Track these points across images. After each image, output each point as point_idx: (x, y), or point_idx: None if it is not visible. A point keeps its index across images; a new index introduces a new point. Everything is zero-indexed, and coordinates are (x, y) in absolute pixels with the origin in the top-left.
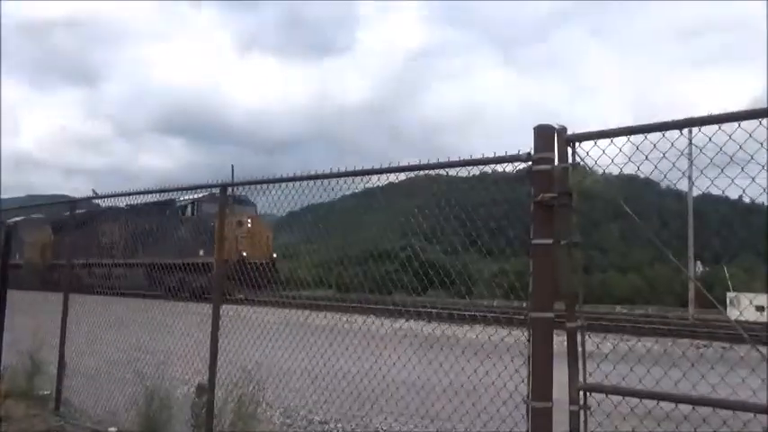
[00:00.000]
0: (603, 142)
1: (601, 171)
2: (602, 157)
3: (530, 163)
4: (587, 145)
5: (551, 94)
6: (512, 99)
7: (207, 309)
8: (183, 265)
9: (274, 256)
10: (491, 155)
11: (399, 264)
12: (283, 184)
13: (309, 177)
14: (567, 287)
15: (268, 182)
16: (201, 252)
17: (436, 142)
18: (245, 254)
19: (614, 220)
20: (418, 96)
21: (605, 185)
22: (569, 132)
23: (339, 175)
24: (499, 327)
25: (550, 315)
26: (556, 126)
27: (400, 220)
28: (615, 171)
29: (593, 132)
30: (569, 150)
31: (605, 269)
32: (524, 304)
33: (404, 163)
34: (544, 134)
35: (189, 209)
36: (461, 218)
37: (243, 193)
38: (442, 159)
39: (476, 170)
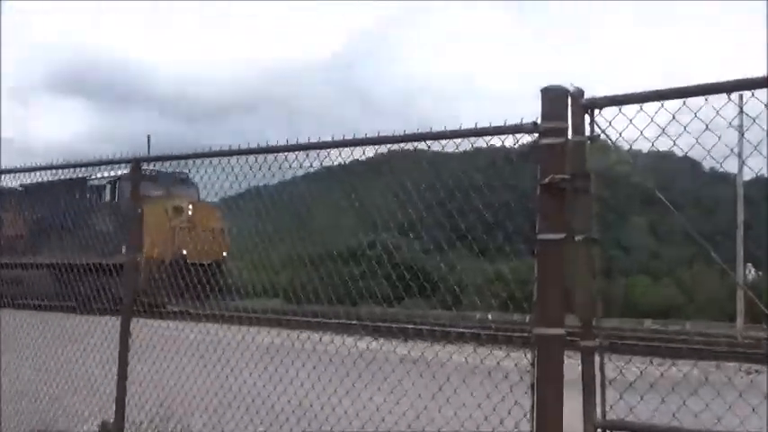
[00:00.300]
0: (630, 110)
1: (627, 146)
2: (629, 129)
3: (536, 135)
4: (610, 113)
5: (565, 58)
6: (515, 64)
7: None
8: (101, 266)
9: (224, 254)
10: (487, 125)
11: (366, 265)
12: (215, 160)
13: (250, 151)
14: (581, 295)
15: (193, 156)
16: (125, 249)
17: (417, 112)
18: (185, 252)
19: (643, 210)
20: (397, 53)
21: (632, 165)
22: (587, 96)
23: (289, 148)
24: (495, 346)
25: (560, 331)
26: (570, 88)
27: (368, 208)
28: (645, 147)
29: (617, 96)
30: (587, 119)
31: (631, 273)
32: (527, 318)
33: (374, 135)
34: (555, 98)
35: (107, 190)
36: (447, 206)
37: (182, 171)
38: (424, 130)
39: (467, 144)
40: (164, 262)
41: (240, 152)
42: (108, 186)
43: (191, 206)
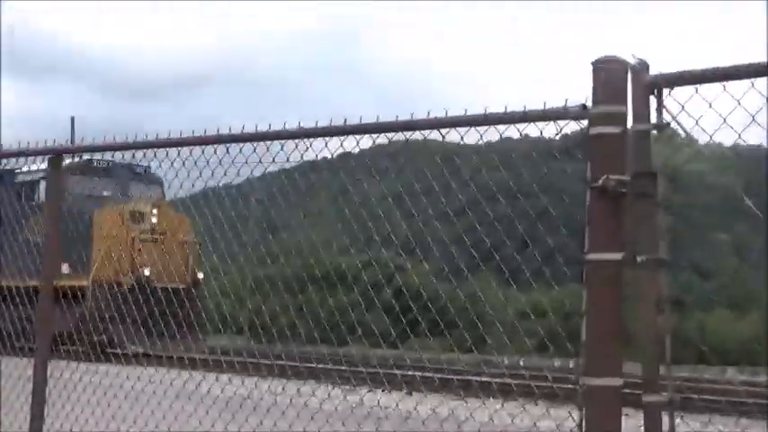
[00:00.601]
0: (710, 90)
1: (706, 138)
2: (708, 115)
3: (585, 123)
4: (683, 94)
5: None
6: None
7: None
8: (31, 290)
9: (200, 275)
10: (519, 109)
11: (360, 292)
12: (167, 152)
13: (210, 141)
14: (644, 335)
15: (133, 147)
16: (66, 267)
17: (427, 96)
18: (147, 272)
19: (727, 224)
20: (395, 23)
21: (713, 164)
22: (653, 73)
23: (261, 137)
24: (529, 401)
25: (617, 382)
26: (631, 60)
27: (363, 216)
28: (730, 139)
29: (694, 72)
30: (653, 102)
31: (711, 306)
32: (571, 363)
33: (370, 121)
34: (610, 74)
35: (40, 187)
36: (468, 215)
37: (143, 164)
38: (436, 116)
39: (493, 134)
40: (120, 286)
41: (196, 141)
42: (40, 183)
43: (155, 210)
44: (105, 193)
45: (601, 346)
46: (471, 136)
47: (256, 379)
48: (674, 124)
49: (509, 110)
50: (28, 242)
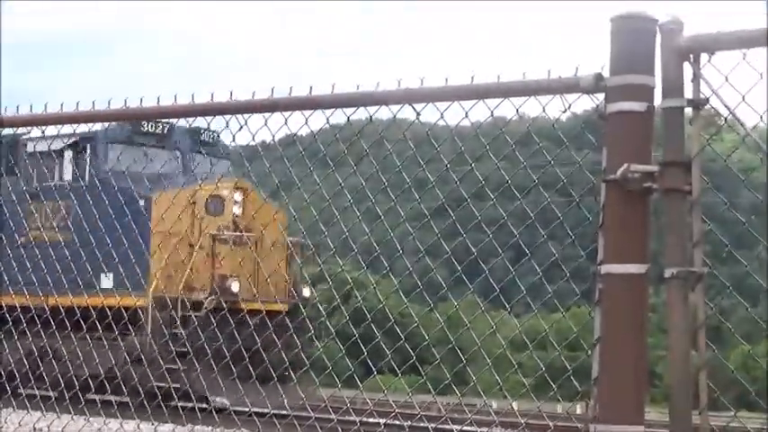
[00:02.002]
0: (762, 57)
1: (755, 119)
2: (759, 89)
3: (600, 98)
4: (727, 62)
5: None
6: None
7: None
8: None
9: (306, 293)
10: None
11: (309, 315)
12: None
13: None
14: (674, 370)
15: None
16: (108, 278)
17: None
18: (235, 287)
19: None
20: None
21: (765, 152)
22: (689, 34)
23: (122, 115)
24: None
25: (638, 430)
26: (661, 17)
27: (305, 215)
28: None
29: (740, 34)
30: (688, 72)
31: (758, 335)
32: (579, 408)
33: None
34: (634, 35)
35: (64, 160)
36: (446, 217)
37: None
38: (408, 87)
39: (482, 111)
40: (196, 307)
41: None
42: (70, 153)
43: (238, 196)
44: (163, 170)
45: (618, 386)
46: (453, 114)
47: None
48: (714, 100)
49: (502, 80)
50: (40, 240)
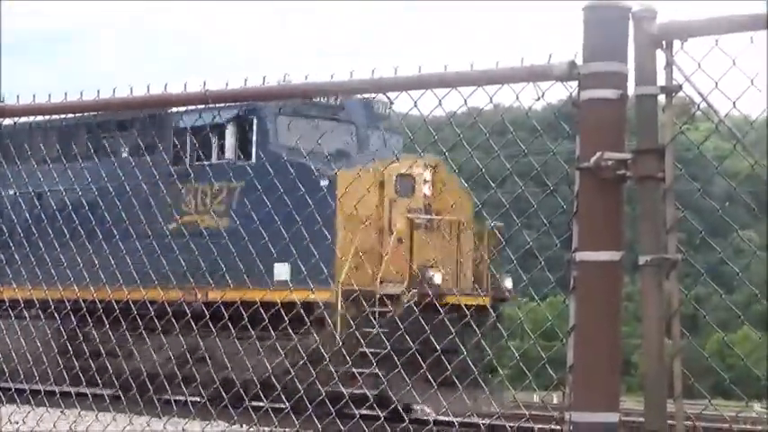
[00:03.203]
0: (736, 43)
1: (728, 107)
2: (733, 75)
3: (574, 87)
4: (700, 49)
5: None
6: None
7: None
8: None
9: (508, 284)
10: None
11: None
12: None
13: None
14: (649, 359)
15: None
16: (284, 268)
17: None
18: (437, 278)
19: (756, 219)
20: None
21: (738, 140)
22: (662, 21)
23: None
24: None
25: (613, 419)
26: (634, 5)
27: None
28: (760, 107)
29: (715, 20)
30: (662, 58)
31: (733, 323)
32: (555, 397)
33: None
34: (606, 22)
35: (227, 135)
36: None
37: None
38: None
39: (455, 101)
40: (394, 302)
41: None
42: (232, 127)
43: (428, 175)
44: (341, 146)
45: (593, 373)
46: (426, 103)
47: None
48: (687, 87)
49: (474, 68)
50: (194, 227)
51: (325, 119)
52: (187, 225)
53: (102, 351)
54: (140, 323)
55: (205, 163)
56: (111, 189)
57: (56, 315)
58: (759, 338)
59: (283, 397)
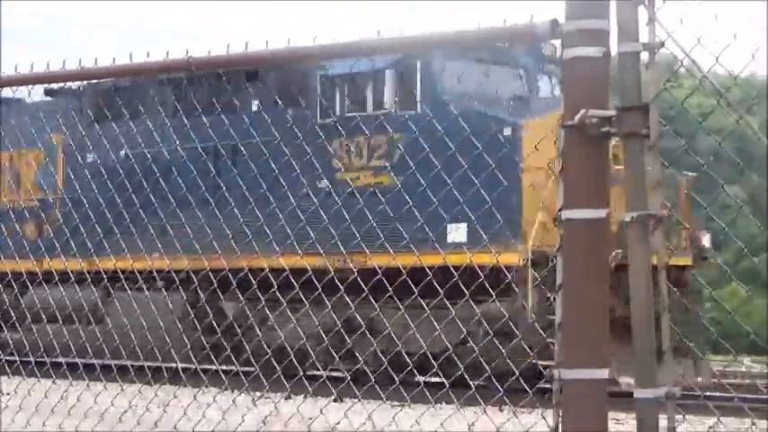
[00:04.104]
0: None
1: (712, 63)
2: (715, 31)
3: (555, 46)
4: (682, 5)
5: None
6: None
7: None
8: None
9: (705, 243)
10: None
11: None
12: None
13: None
14: (637, 316)
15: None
16: (459, 229)
17: None
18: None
19: (741, 175)
20: None
21: (722, 95)
22: None
23: None
24: (491, 405)
25: (602, 375)
26: None
27: None
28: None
29: None
30: (643, 15)
31: (722, 279)
32: (545, 367)
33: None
34: None
35: (386, 81)
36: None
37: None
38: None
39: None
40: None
41: None
42: (391, 73)
43: None
44: (516, 94)
45: (582, 330)
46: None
47: None
48: (670, 44)
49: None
50: (344, 184)
51: (495, 64)
52: (339, 184)
53: (237, 328)
54: (278, 295)
55: (359, 114)
56: (242, 147)
57: (183, 288)
58: (747, 293)
59: (466, 376)
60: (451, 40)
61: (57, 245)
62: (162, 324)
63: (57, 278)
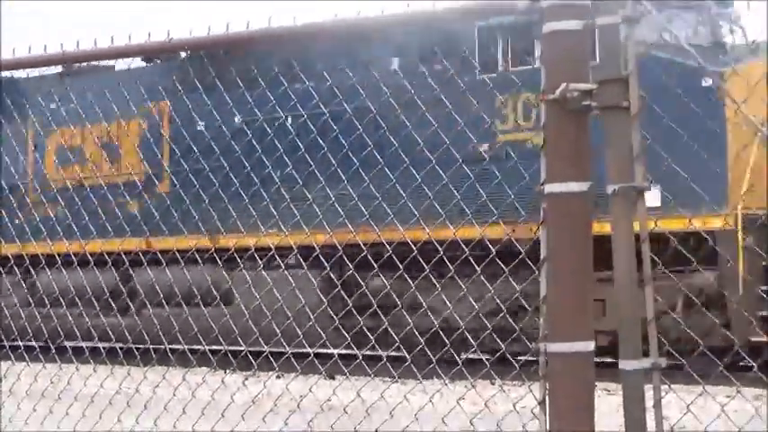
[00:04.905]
0: None
1: (686, 30)
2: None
3: (535, 19)
4: None
5: None
6: None
7: None
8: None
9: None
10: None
11: None
12: None
13: None
14: (621, 288)
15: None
16: (655, 193)
17: None
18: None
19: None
20: None
21: (702, 65)
22: None
23: None
24: (480, 380)
25: (588, 347)
26: None
27: None
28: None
29: None
30: None
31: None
32: (533, 339)
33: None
34: None
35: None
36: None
37: None
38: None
39: (415, 37)
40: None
41: None
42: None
43: None
44: (712, 40)
45: (566, 303)
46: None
47: None
48: (651, 17)
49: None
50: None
51: (680, 8)
52: (506, 145)
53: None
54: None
55: (527, 68)
56: (380, 109)
57: (330, 265)
58: (728, 264)
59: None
60: (437, 17)
61: (162, 224)
62: (303, 301)
63: (166, 259)
